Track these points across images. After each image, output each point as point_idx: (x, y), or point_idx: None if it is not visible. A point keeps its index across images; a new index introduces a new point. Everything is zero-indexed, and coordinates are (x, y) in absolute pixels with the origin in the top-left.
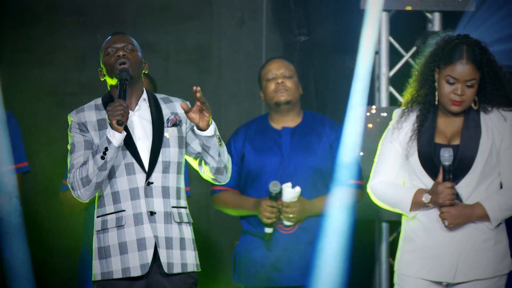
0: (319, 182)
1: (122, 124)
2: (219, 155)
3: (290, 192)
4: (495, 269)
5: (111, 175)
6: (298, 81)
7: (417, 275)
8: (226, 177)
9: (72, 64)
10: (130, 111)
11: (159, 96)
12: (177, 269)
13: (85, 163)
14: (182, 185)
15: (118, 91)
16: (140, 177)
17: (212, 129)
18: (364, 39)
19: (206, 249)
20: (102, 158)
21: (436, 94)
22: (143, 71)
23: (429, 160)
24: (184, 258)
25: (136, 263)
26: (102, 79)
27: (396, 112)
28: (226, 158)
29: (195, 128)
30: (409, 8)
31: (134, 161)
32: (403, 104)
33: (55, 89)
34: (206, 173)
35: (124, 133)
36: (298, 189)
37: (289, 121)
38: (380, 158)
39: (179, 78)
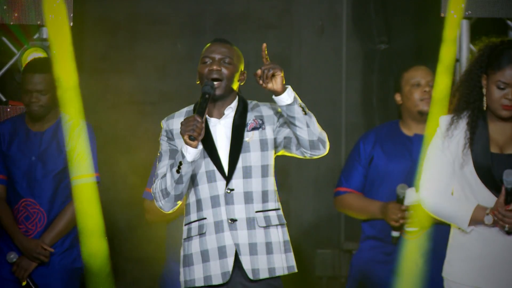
0: None
1: (194, 139)
2: (308, 126)
3: (414, 196)
4: None
5: (195, 183)
6: None
7: (474, 284)
8: (324, 151)
9: (152, 73)
10: (216, 119)
11: (250, 103)
12: (263, 275)
13: (165, 174)
14: (271, 187)
15: (198, 104)
16: (221, 184)
17: (290, 96)
18: (445, 47)
19: None
20: (178, 172)
21: (484, 100)
22: (239, 84)
23: (486, 172)
24: (271, 262)
25: (217, 271)
26: (198, 83)
27: (445, 119)
28: (319, 131)
29: (274, 98)
30: None
31: (215, 168)
32: (449, 110)
33: (135, 98)
34: (303, 151)
35: (200, 148)
36: None
37: (422, 129)
38: (431, 166)
39: (258, 86)
